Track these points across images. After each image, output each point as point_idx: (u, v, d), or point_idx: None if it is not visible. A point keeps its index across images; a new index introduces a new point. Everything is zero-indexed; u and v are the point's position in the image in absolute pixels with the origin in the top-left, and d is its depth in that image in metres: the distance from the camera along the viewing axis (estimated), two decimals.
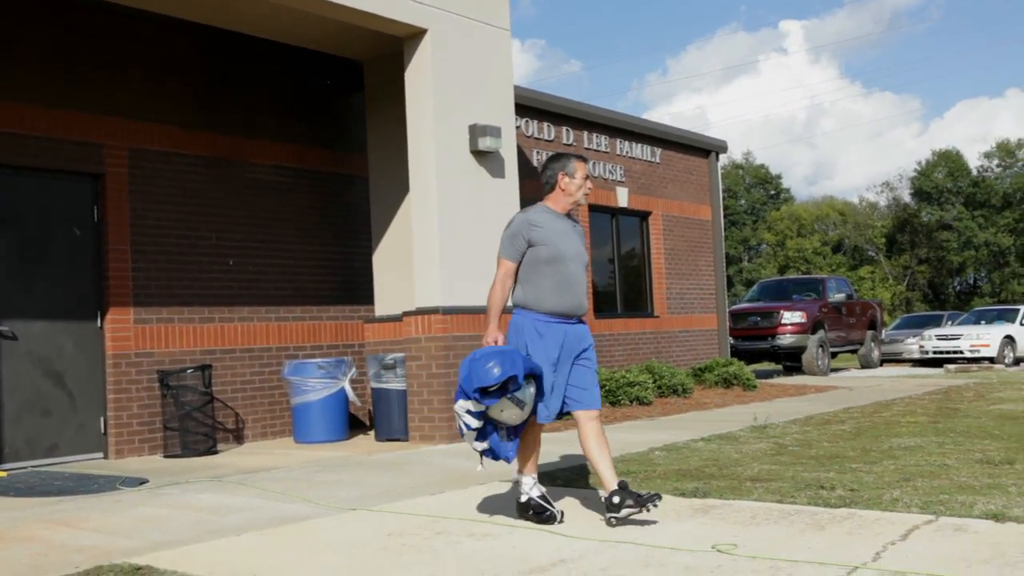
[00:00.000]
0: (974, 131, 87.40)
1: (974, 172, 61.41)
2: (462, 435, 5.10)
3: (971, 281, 62.12)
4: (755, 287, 23.94)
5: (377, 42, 9.86)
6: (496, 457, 5.13)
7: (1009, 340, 23.08)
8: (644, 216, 15.87)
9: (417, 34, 9.48)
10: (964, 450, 7.44)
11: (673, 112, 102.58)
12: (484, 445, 5.09)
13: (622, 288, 15.42)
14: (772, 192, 70.96)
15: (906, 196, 63.29)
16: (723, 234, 17.93)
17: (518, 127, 12.99)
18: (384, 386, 9.68)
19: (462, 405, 4.97)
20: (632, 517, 4.95)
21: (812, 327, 19.44)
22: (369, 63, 10.76)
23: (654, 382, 12.75)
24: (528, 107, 13.37)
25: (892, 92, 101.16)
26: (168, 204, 9.54)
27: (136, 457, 9.01)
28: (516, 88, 11.26)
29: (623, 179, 15.25)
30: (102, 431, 8.97)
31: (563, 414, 5.32)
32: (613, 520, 4.96)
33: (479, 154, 9.76)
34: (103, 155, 9.08)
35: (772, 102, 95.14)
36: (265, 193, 10.41)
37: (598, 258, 14.80)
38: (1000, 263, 58.48)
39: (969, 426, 9.14)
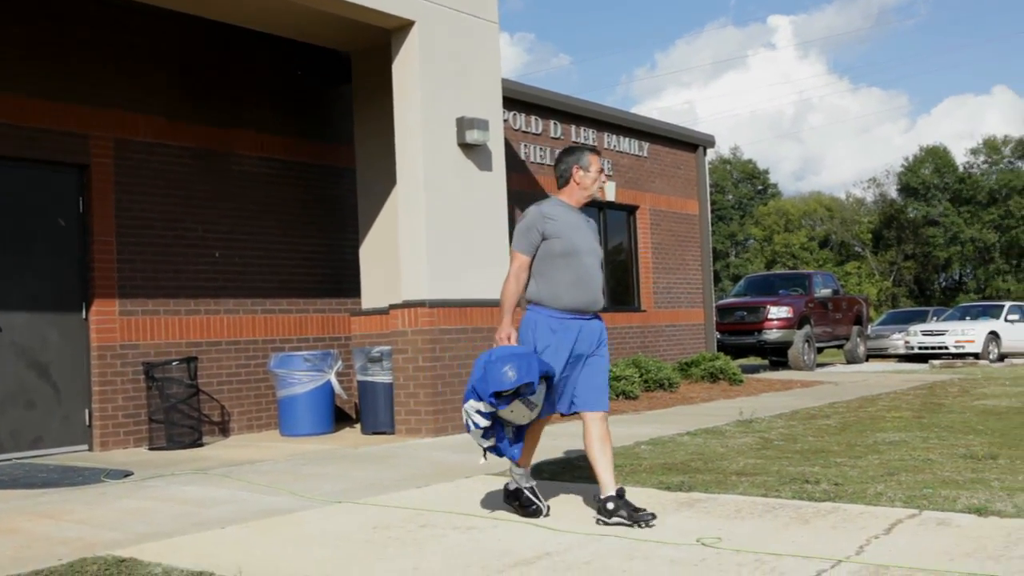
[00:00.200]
0: (961, 127, 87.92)
1: (960, 168, 61.68)
2: (468, 431, 5.02)
3: (956, 277, 62.43)
4: (742, 282, 24.00)
5: (365, 34, 9.82)
6: (501, 455, 5.08)
7: (994, 336, 23.20)
8: (631, 210, 15.88)
9: (405, 26, 9.46)
10: (948, 445, 7.48)
11: (662, 107, 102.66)
12: (490, 443, 5.02)
13: (609, 282, 15.40)
14: (759, 187, 71.14)
15: (893, 192, 63.55)
16: (710, 229, 17.96)
17: (506, 120, 12.97)
18: (370, 379, 9.67)
19: (472, 405, 4.88)
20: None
21: (798, 322, 19.49)
22: (357, 55, 10.72)
23: (640, 376, 12.77)
24: (516, 100, 13.35)
25: (880, 88, 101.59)
26: (154, 195, 9.50)
27: (121, 449, 8.98)
28: (504, 81, 11.25)
29: (610, 173, 15.25)
30: (87, 423, 8.93)
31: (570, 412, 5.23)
32: (601, 523, 4.91)
33: (466, 147, 9.74)
34: (88, 146, 9.03)
35: (760, 97, 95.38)
36: (252, 185, 10.37)
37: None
38: (985, 259, 58.77)
39: (953, 421, 9.19)
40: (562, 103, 14.40)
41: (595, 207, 15.11)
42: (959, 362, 21.59)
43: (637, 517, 4.82)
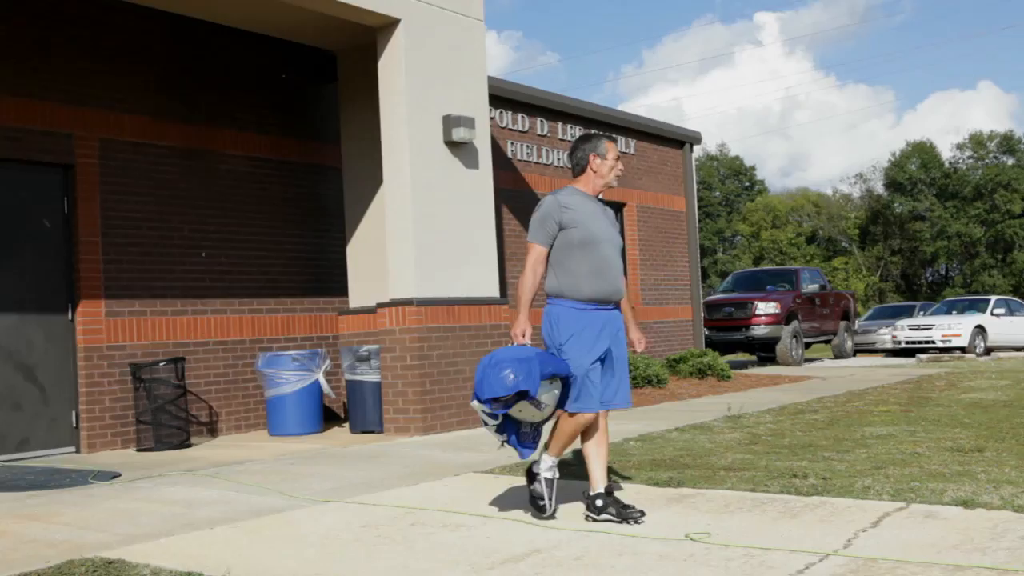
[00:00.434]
0: (947, 123, 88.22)
1: (946, 164, 61.92)
2: (485, 426, 4.94)
3: (943, 272, 62.67)
4: (729, 278, 24.04)
5: (350, 32, 9.81)
6: (516, 449, 4.98)
7: (980, 330, 23.31)
8: (618, 207, 15.89)
9: (390, 24, 9.44)
10: (935, 438, 7.51)
11: (649, 104, 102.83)
12: (504, 438, 4.95)
13: None
14: (746, 184, 71.31)
15: (879, 187, 63.77)
16: (697, 225, 17.99)
17: (492, 118, 12.97)
18: (358, 378, 9.65)
19: (477, 406, 4.82)
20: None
21: (786, 318, 19.54)
22: (342, 53, 10.70)
23: (629, 372, 12.76)
24: (502, 98, 13.34)
25: (866, 84, 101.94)
26: (140, 195, 9.46)
27: (109, 451, 8.94)
28: (490, 79, 11.24)
29: None
30: (74, 425, 8.89)
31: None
32: (590, 519, 4.90)
33: (453, 145, 9.73)
34: (73, 145, 8.99)
35: (747, 94, 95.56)
36: (238, 184, 10.34)
37: None
38: (971, 254, 59.03)
39: (940, 415, 9.23)
40: (549, 100, 14.40)
41: None
42: (946, 356, 21.68)
43: (626, 514, 4.82)
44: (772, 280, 22.29)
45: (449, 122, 9.62)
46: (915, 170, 61.15)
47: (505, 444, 4.98)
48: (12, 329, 8.56)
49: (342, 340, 10.55)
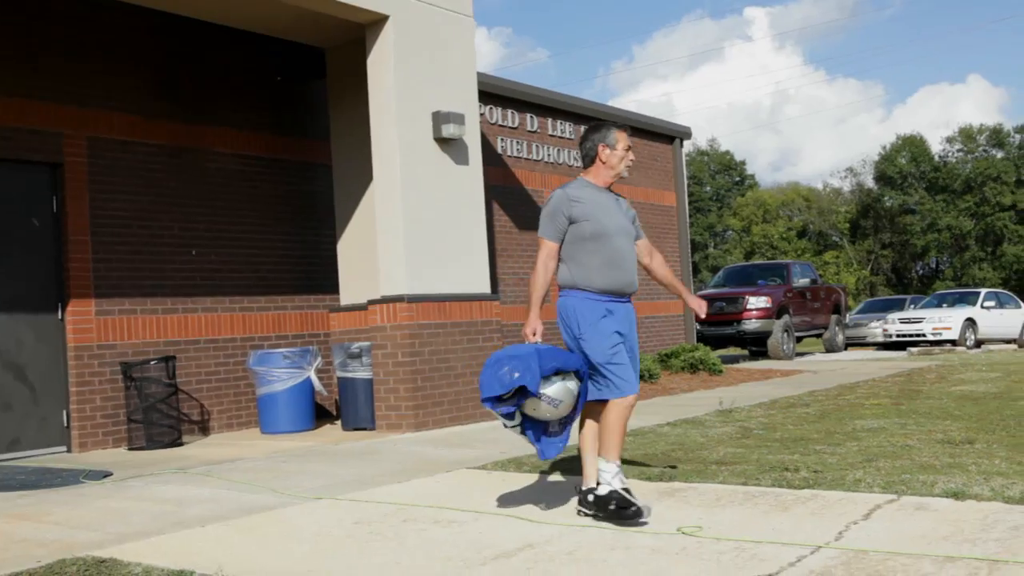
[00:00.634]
0: (936, 116, 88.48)
1: (936, 157, 62.09)
2: (505, 428, 4.88)
3: (933, 265, 62.87)
4: (720, 273, 24.06)
5: (339, 29, 9.79)
6: (537, 447, 4.87)
7: (970, 323, 23.37)
8: None
9: (379, 21, 9.43)
10: (926, 431, 7.53)
11: (639, 99, 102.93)
12: (527, 438, 4.86)
13: None
14: (737, 178, 71.41)
15: (869, 181, 63.91)
16: (688, 220, 18.01)
17: (482, 114, 12.96)
18: (350, 375, 9.64)
19: (490, 408, 4.74)
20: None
21: (777, 312, 19.56)
22: (332, 51, 10.68)
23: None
24: (492, 94, 13.33)
25: (856, 78, 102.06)
26: (129, 194, 9.43)
27: (100, 450, 8.92)
28: (480, 75, 11.23)
29: None
30: (65, 424, 8.87)
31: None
32: (583, 513, 4.89)
33: (442, 141, 9.72)
34: (61, 144, 8.96)
35: (737, 89, 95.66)
36: (228, 182, 10.31)
37: None
38: (961, 247, 59.21)
39: (931, 407, 9.26)
40: (538, 96, 14.39)
41: None
42: (936, 349, 21.74)
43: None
44: (763, 275, 22.32)
45: (439, 118, 9.61)
46: (905, 164, 61.30)
47: (531, 443, 4.86)
48: (2, 329, 8.53)
49: (333, 337, 10.54)
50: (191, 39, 10.11)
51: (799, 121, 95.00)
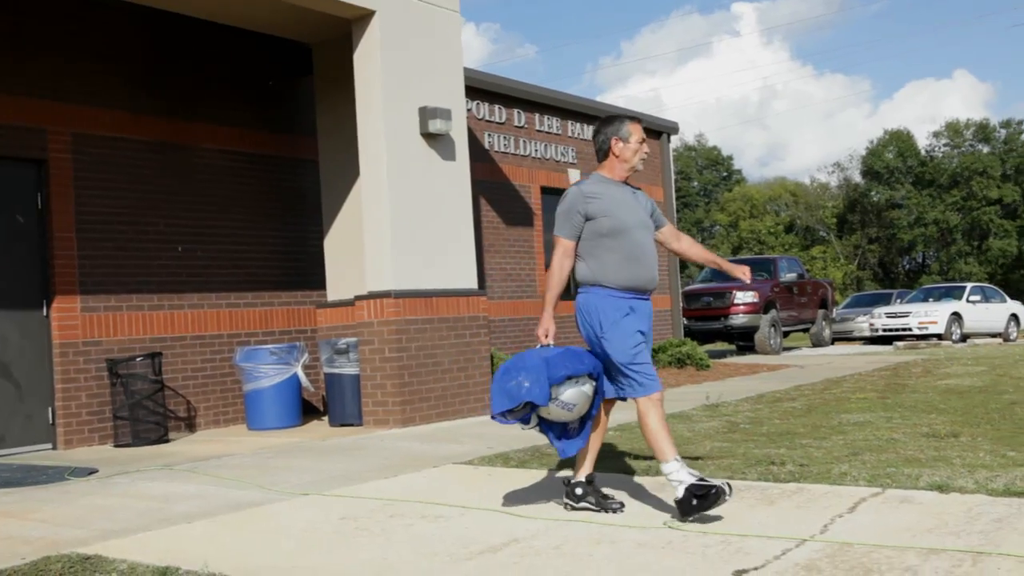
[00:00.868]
0: (923, 111, 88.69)
1: (923, 152, 62.29)
2: (522, 429, 4.82)
3: (920, 260, 63.09)
4: (708, 268, 24.11)
5: (326, 25, 9.76)
6: (556, 446, 4.81)
7: (956, 317, 23.48)
8: None
9: (365, 16, 9.40)
10: (911, 424, 7.57)
11: (628, 95, 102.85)
12: (546, 437, 4.81)
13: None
14: (724, 174, 71.52)
15: (857, 176, 64.07)
16: (676, 215, 18.02)
17: (469, 110, 12.95)
18: (337, 371, 9.63)
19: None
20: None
21: (764, 307, 19.63)
22: (318, 46, 10.66)
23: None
24: (479, 89, 13.32)
25: (843, 73, 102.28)
26: (114, 190, 9.39)
27: (86, 447, 8.89)
28: (467, 71, 11.22)
29: (575, 161, 15.27)
30: (50, 422, 8.83)
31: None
32: (568, 507, 4.88)
33: (429, 137, 9.71)
34: (45, 140, 8.91)
35: (725, 84, 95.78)
36: (214, 178, 10.28)
37: (552, 241, 14.77)
38: (948, 241, 59.44)
39: (916, 401, 9.30)
40: (525, 92, 14.38)
41: (560, 195, 15.08)
42: (923, 343, 21.84)
43: (605, 505, 4.80)
44: (750, 270, 22.34)
45: (425, 114, 9.60)
46: (892, 159, 61.46)
47: (551, 442, 4.81)
48: None
49: (320, 333, 10.52)
50: (177, 35, 10.07)
51: (787, 116, 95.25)
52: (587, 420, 4.79)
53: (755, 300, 19.52)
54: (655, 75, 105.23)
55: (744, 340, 20.20)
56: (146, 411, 8.93)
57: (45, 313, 8.87)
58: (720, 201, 67.01)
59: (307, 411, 10.36)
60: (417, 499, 5.42)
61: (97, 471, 7.19)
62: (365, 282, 9.53)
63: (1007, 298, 26.32)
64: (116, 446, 8.85)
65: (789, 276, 21.55)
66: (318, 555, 4.29)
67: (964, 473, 5.30)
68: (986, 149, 60.07)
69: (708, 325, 19.73)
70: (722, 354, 19.99)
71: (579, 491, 4.86)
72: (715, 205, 67.44)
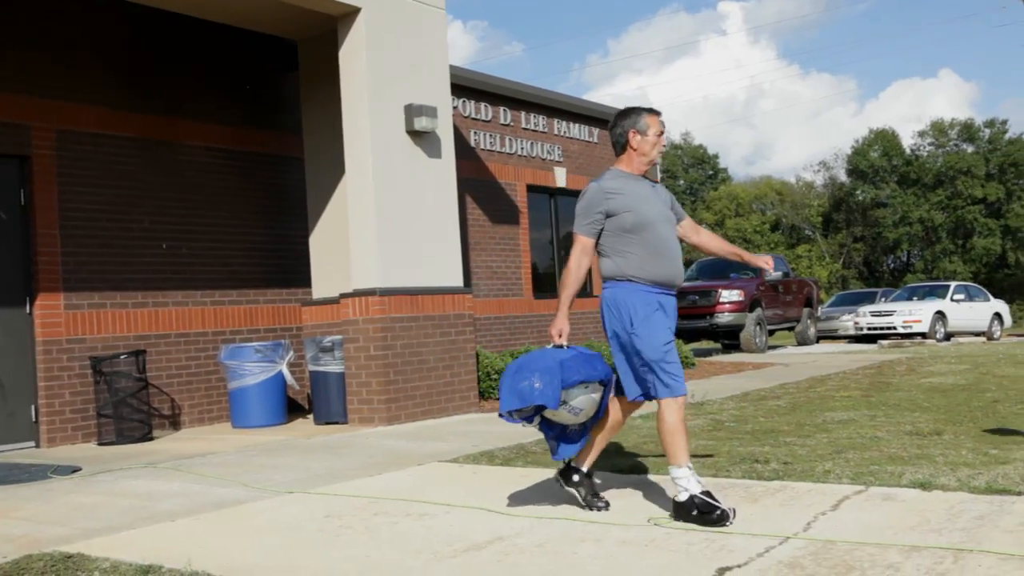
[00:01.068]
0: (908, 111, 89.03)
1: (908, 151, 62.55)
2: (524, 427, 4.80)
3: (905, 258, 63.35)
4: (693, 266, 24.12)
5: (311, 21, 9.74)
6: (554, 447, 4.79)
7: (940, 316, 23.59)
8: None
9: (351, 13, 9.38)
10: (895, 422, 7.60)
11: (615, 93, 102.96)
12: (544, 435, 4.80)
13: (562, 268, 15.44)
14: (710, 172, 71.67)
15: (842, 175, 64.30)
16: None
17: (455, 107, 12.94)
18: (322, 369, 9.61)
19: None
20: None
21: (750, 305, 19.67)
22: (303, 43, 10.63)
23: None
24: (465, 87, 13.31)
25: (829, 73, 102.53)
26: (98, 187, 9.35)
27: (69, 445, 8.85)
28: (453, 68, 11.21)
29: (561, 159, 15.28)
30: (33, 419, 8.79)
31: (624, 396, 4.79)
32: (559, 483, 4.85)
33: (415, 134, 9.70)
34: (29, 136, 8.86)
35: (712, 83, 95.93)
36: (199, 175, 10.25)
37: (538, 239, 14.82)
38: (932, 240, 59.71)
39: (900, 399, 9.34)
40: (512, 89, 14.38)
41: (546, 193, 15.13)
42: (907, 342, 21.94)
43: (591, 502, 4.81)
44: (736, 268, 22.39)
45: (411, 111, 9.59)
46: (877, 158, 61.70)
47: (550, 442, 4.80)
48: None
49: (306, 331, 10.50)
50: (162, 31, 10.03)
51: (773, 115, 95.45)
52: (588, 427, 4.79)
53: (741, 299, 19.57)
54: (642, 73, 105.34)
55: (729, 338, 20.24)
56: (130, 409, 8.89)
57: (28, 310, 8.83)
58: (706, 199, 67.13)
59: (292, 409, 10.34)
60: (402, 497, 5.42)
61: (80, 469, 7.16)
62: (350, 280, 9.51)
63: (991, 297, 26.47)
64: (100, 444, 8.82)
65: (774, 275, 21.59)
66: (302, 553, 4.28)
67: (947, 471, 5.32)
68: (970, 148, 60.37)
69: (694, 323, 19.76)
70: (708, 352, 20.03)
71: (575, 477, 4.84)
72: (701, 203, 67.56)
